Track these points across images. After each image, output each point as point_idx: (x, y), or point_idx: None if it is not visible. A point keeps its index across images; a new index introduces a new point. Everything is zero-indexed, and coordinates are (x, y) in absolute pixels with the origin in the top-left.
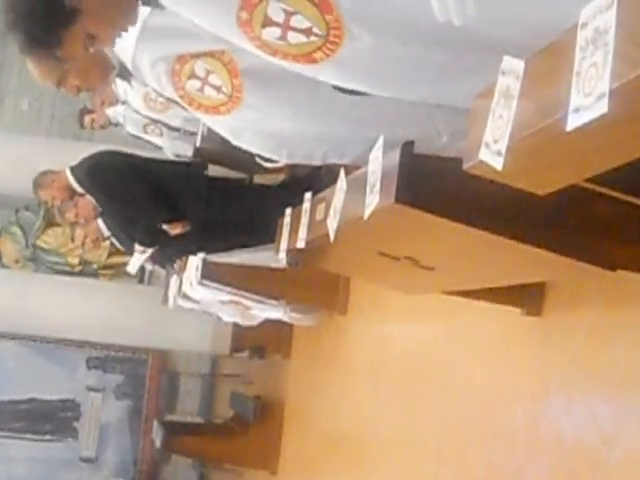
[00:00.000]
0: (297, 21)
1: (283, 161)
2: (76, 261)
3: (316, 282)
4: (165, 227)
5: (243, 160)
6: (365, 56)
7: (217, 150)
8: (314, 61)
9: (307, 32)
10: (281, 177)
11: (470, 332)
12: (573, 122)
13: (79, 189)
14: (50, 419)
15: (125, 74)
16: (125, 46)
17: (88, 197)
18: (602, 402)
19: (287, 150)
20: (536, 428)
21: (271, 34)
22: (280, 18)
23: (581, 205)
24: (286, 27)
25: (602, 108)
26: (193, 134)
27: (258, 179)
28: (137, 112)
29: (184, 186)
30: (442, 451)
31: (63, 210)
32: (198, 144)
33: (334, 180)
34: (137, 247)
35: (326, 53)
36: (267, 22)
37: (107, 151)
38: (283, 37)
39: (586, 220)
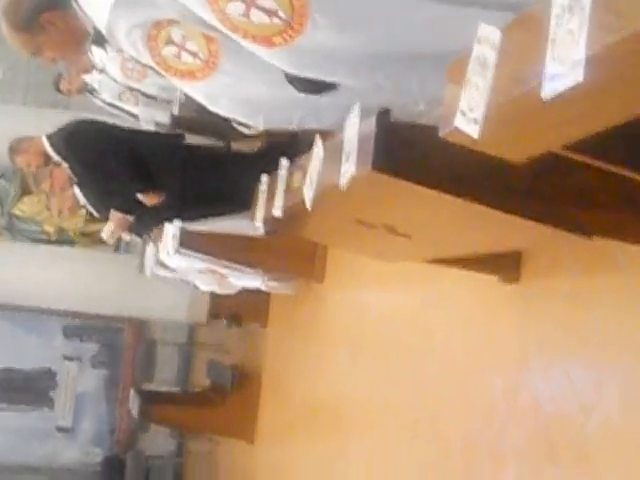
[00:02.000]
0: (264, 0)
1: (260, 127)
2: (52, 229)
3: (293, 250)
4: (140, 197)
5: (220, 127)
6: (322, 47)
7: (194, 118)
8: (272, 45)
9: (271, 13)
10: (258, 144)
11: (448, 300)
12: (548, 90)
13: (55, 156)
14: (26, 388)
15: (100, 40)
16: (100, 13)
17: (63, 167)
18: (581, 369)
19: (263, 115)
20: (514, 395)
21: (235, 9)
22: None
23: (557, 173)
24: (251, 3)
25: (577, 76)
26: (169, 102)
27: (235, 146)
28: (114, 80)
29: (161, 156)
30: (419, 419)
31: (39, 180)
32: (175, 112)
33: (311, 147)
34: (112, 214)
35: (285, 39)
36: None
37: (84, 120)
38: (246, 14)
39: (563, 188)
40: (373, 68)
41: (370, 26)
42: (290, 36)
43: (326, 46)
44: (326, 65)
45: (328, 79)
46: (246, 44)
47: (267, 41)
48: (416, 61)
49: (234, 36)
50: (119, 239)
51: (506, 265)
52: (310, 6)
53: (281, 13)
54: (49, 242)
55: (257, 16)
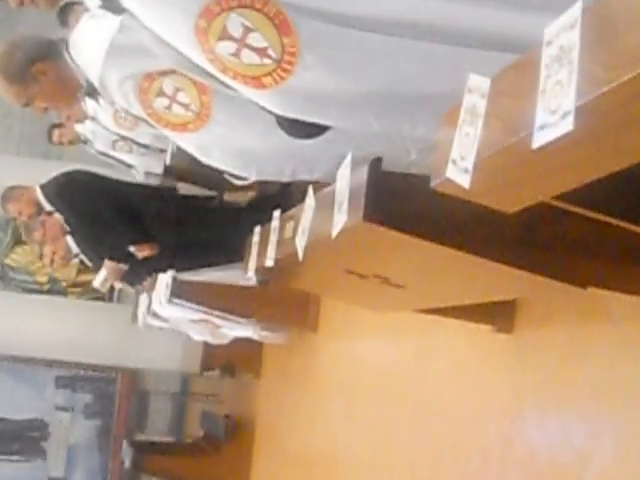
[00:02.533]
0: (254, 39)
1: (252, 178)
2: (45, 279)
3: (286, 300)
4: (133, 250)
5: (213, 178)
6: (313, 88)
7: (187, 168)
8: (262, 86)
9: (262, 53)
10: (251, 195)
11: (442, 350)
12: (539, 140)
13: (47, 206)
14: (18, 439)
15: (93, 92)
16: (92, 65)
17: (56, 216)
18: (576, 419)
19: (256, 166)
20: (510, 446)
21: (226, 49)
22: (238, 33)
23: (550, 222)
24: (242, 43)
25: (567, 126)
26: (162, 151)
27: (228, 197)
28: (106, 129)
29: (154, 207)
30: (415, 470)
31: (31, 229)
32: (168, 162)
33: (304, 198)
34: (106, 263)
35: (275, 79)
36: (224, 35)
37: (77, 170)
38: (237, 54)
39: (556, 237)
40: (364, 110)
41: (360, 67)
42: (280, 76)
43: (316, 86)
44: (316, 107)
45: (319, 121)
46: (236, 86)
47: (257, 82)
48: (409, 103)
49: (224, 77)
50: (112, 288)
51: (500, 314)
52: (299, 44)
53: (271, 51)
54: (41, 292)
55: (248, 56)
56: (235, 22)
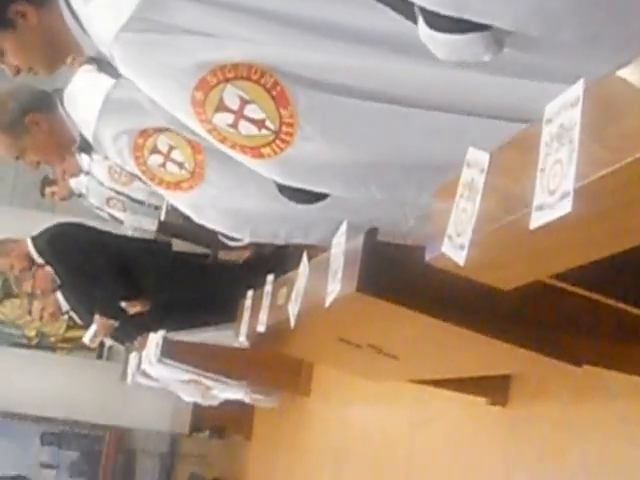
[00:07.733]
0: (251, 111)
1: (246, 239)
2: (33, 333)
3: (279, 363)
4: (124, 305)
5: (207, 236)
6: (312, 158)
7: (181, 225)
8: (261, 156)
9: (259, 124)
10: (246, 254)
11: (435, 420)
12: (536, 220)
13: (39, 259)
14: None
15: (86, 147)
16: (87, 119)
17: (47, 269)
18: None
19: (250, 228)
20: None
21: (223, 120)
22: (235, 105)
23: (546, 300)
24: (239, 115)
25: (566, 207)
26: (157, 208)
27: (223, 255)
28: (101, 184)
29: (147, 263)
30: None
31: (21, 280)
32: (162, 218)
33: (299, 262)
34: (96, 318)
35: (274, 150)
36: (221, 107)
37: (69, 223)
38: (234, 125)
39: (551, 315)
40: (366, 180)
41: (360, 137)
42: (279, 147)
43: (316, 157)
44: (316, 177)
45: (319, 190)
46: (235, 155)
47: (256, 152)
48: (413, 172)
49: (222, 147)
50: (102, 345)
51: (494, 387)
52: (297, 115)
53: (269, 123)
54: (29, 347)
55: (245, 127)
56: (232, 94)
